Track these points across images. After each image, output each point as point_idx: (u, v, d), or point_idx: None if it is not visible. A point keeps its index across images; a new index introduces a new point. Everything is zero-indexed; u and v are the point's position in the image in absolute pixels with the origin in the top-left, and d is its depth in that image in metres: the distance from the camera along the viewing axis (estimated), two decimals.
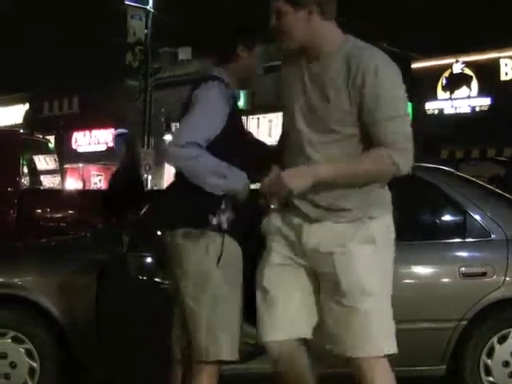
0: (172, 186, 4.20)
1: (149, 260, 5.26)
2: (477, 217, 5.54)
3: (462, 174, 6.35)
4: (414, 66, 27.00)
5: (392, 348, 3.58)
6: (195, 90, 4.10)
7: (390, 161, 3.40)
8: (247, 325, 4.32)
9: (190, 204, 3.94)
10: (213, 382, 3.96)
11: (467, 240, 5.56)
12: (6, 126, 36.36)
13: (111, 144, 33.62)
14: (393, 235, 3.64)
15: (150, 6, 26.98)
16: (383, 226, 3.58)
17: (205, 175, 3.86)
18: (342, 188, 3.48)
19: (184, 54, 34.18)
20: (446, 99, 26.82)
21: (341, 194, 3.49)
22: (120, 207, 7.57)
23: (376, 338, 3.53)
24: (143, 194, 8.32)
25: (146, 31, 27.12)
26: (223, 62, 4.26)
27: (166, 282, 4.80)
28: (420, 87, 25.59)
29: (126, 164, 8.24)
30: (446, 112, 26.78)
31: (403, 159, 3.41)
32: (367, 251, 3.49)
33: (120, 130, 9.35)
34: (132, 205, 7.33)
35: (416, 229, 5.89)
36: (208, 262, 3.89)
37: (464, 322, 5.31)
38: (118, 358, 5.22)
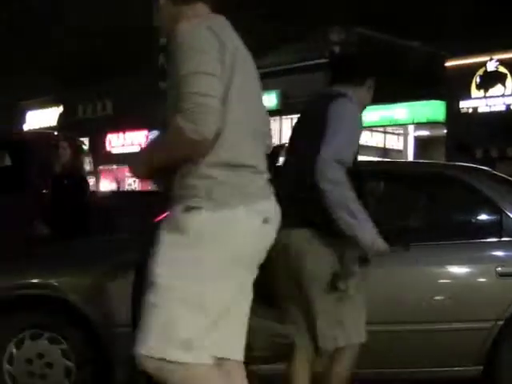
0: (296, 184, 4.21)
1: None
2: None
3: (497, 173, 6.29)
4: (448, 64, 26.82)
5: (160, 353, 3.13)
6: (328, 104, 4.20)
7: (175, 126, 3.04)
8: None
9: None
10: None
11: (503, 239, 5.52)
12: (40, 129, 36.68)
13: (145, 145, 33.83)
14: (233, 231, 3.09)
15: None
16: (207, 218, 3.06)
17: (341, 208, 3.95)
18: (170, 171, 3.17)
19: None
20: (481, 98, 26.59)
21: (173, 179, 3.19)
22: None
23: (147, 334, 3.21)
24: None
25: None
26: (356, 85, 4.42)
27: None
28: (454, 86, 25.45)
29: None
30: (481, 110, 26.55)
31: (190, 121, 2.96)
32: (169, 240, 3.14)
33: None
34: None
35: (452, 228, 5.86)
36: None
37: (500, 322, 5.27)
38: None
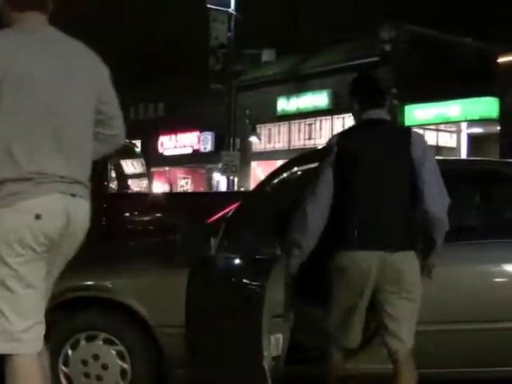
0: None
1: (237, 262, 5.27)
2: None
3: None
4: (501, 60, 26.44)
5: None
6: (413, 139, 4.66)
7: None
8: None
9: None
10: None
11: None
12: None
13: (197, 147, 33.94)
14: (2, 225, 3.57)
15: (232, 9, 27.07)
16: None
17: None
18: None
19: (267, 55, 34.22)
20: None
21: None
22: None
23: None
24: None
25: (228, 34, 27.23)
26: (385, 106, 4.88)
27: (256, 284, 4.83)
28: (507, 82, 25.07)
29: None
30: None
31: None
32: None
33: None
34: None
35: (509, 226, 5.79)
36: None
37: None
38: (207, 360, 5.24)
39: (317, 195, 4.66)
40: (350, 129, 5.07)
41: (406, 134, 4.76)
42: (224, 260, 5.22)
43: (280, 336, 5.19)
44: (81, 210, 3.93)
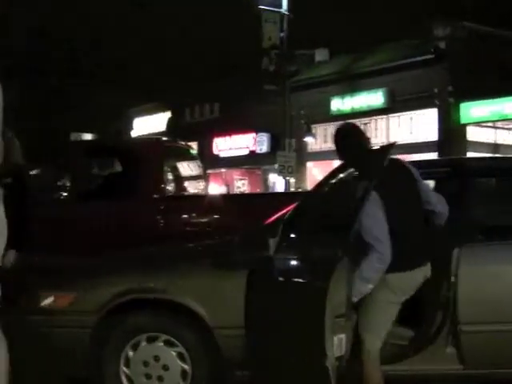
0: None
1: (296, 262, 5.27)
2: None
3: None
4: None
5: None
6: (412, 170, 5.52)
7: None
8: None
9: None
10: None
11: None
12: (149, 134, 37.27)
13: (252, 148, 33.99)
14: None
15: (284, 9, 27.05)
16: None
17: None
18: None
19: (321, 55, 34.12)
20: None
21: None
22: None
23: None
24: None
25: (281, 35, 27.21)
26: None
27: (317, 283, 4.85)
28: None
29: None
30: None
31: None
32: None
33: None
34: None
35: None
36: None
37: None
38: (267, 360, 5.25)
39: (380, 238, 5.10)
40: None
41: (404, 167, 5.49)
42: (283, 261, 5.23)
43: (343, 336, 5.18)
44: None
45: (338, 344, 5.12)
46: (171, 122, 39.43)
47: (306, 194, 6.22)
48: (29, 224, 6.93)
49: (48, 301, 5.71)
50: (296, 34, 27.45)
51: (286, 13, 27.00)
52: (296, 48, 28.79)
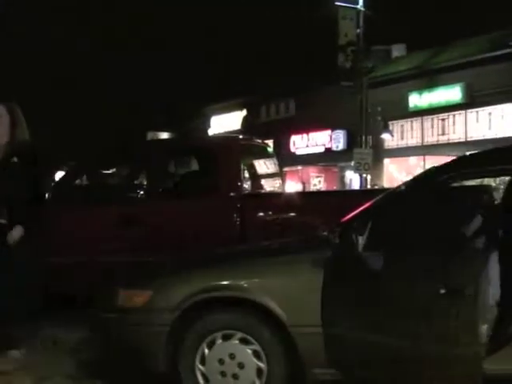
0: None
1: (377, 260, 5.22)
2: None
3: None
4: None
5: None
6: None
7: None
8: None
9: None
10: None
11: None
12: (226, 132, 37.49)
13: (328, 145, 33.88)
14: None
15: (360, 5, 26.89)
16: None
17: None
18: None
19: (398, 50, 33.85)
20: None
21: None
22: None
23: None
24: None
25: (357, 31, 27.06)
26: None
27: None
28: None
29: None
30: None
31: None
32: None
33: None
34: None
35: None
36: None
37: None
38: (353, 359, 5.23)
39: None
40: None
41: None
42: (365, 258, 5.19)
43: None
44: None
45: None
46: (247, 120, 39.57)
47: (387, 191, 6.10)
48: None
49: (124, 299, 5.77)
50: (372, 30, 27.26)
51: (363, 9, 26.83)
52: (372, 44, 28.60)
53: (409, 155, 30.57)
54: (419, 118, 30.21)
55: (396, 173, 30.97)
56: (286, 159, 31.12)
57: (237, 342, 5.45)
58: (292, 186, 31.85)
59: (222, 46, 42.77)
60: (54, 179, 18.66)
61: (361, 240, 5.19)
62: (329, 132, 34.13)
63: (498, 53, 26.35)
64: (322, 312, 5.22)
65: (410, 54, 32.81)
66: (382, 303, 5.09)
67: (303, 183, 35.04)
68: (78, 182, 10.93)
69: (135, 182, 10.95)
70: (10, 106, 7.08)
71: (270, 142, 24.18)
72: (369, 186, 25.95)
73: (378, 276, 5.14)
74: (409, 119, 30.57)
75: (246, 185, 9.86)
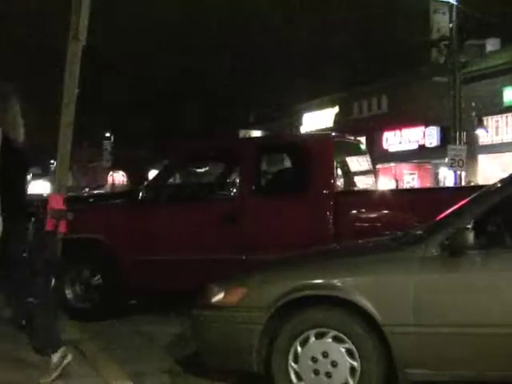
0: None
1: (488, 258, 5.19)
2: None
3: None
4: None
5: None
6: None
7: None
8: None
9: None
10: None
11: None
12: (318, 130, 37.42)
13: (422, 142, 33.48)
14: None
15: (453, 0, 26.46)
16: None
17: None
18: None
19: (492, 45, 33.20)
20: None
21: None
22: None
23: None
24: None
25: (450, 25, 26.64)
26: None
27: None
28: None
29: None
30: None
31: None
32: None
33: None
34: None
35: None
36: None
37: None
38: (441, 360, 5.19)
39: None
40: None
41: None
42: (474, 256, 5.17)
43: None
44: None
45: None
46: (339, 117, 39.43)
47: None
48: None
49: (219, 297, 5.82)
50: (465, 24, 26.77)
51: (455, 2, 26.39)
52: (466, 39, 28.10)
53: (504, 151, 29.94)
54: None
55: (491, 169, 30.40)
56: (379, 156, 30.91)
57: (330, 340, 5.46)
58: (385, 184, 31.59)
59: (313, 42, 42.60)
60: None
61: (473, 238, 5.17)
62: (422, 128, 33.69)
63: None
64: (416, 311, 5.18)
65: (505, 48, 32.14)
66: (489, 302, 5.11)
67: (396, 180, 34.69)
68: (171, 180, 11.09)
69: (228, 181, 11.06)
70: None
71: (363, 139, 24.04)
72: (463, 183, 25.54)
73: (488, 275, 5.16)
74: (504, 114, 29.93)
75: (339, 182, 9.83)
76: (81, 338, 7.54)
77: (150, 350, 7.76)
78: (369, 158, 10.92)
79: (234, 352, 5.76)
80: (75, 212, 8.30)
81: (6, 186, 5.89)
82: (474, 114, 29.07)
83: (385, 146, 36.09)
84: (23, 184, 6.32)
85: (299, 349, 5.50)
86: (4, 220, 5.80)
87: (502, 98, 29.46)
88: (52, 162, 68.61)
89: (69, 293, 9.62)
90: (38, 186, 65.12)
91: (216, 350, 5.94)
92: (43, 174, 75.42)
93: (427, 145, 33.33)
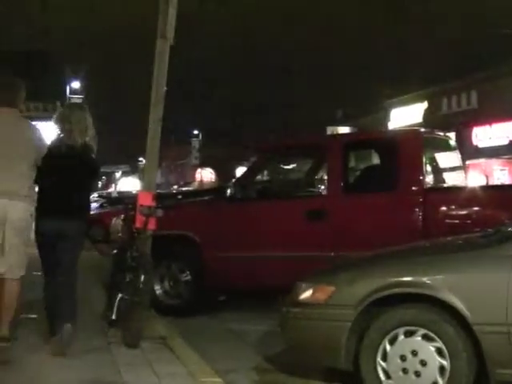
0: None
1: None
2: None
3: None
4: None
5: None
6: None
7: None
8: None
9: None
10: None
11: None
12: (406, 126, 37.06)
13: None
14: None
15: None
16: None
17: None
18: None
19: None
20: None
21: None
22: None
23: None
24: None
25: None
26: None
27: None
28: None
29: None
30: None
31: None
32: None
33: None
34: None
35: None
36: None
37: None
38: None
39: None
40: None
41: None
42: None
43: None
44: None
45: None
46: (428, 113, 38.97)
47: None
48: None
49: (307, 294, 5.82)
50: None
51: None
52: None
53: None
54: None
55: None
56: (468, 152, 30.41)
57: (419, 338, 5.40)
58: (474, 180, 31.10)
59: (402, 36, 42.27)
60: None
61: None
62: None
63: None
64: (510, 310, 5.09)
65: None
66: None
67: (486, 176, 34.09)
68: (258, 177, 11.13)
69: (315, 177, 11.04)
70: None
71: (452, 135, 23.69)
72: None
73: None
74: None
75: (428, 179, 9.71)
76: (170, 334, 7.62)
77: (239, 347, 7.80)
78: (458, 154, 10.76)
79: (322, 349, 5.76)
80: (164, 209, 8.41)
81: (78, 188, 6.80)
82: None
83: (474, 141, 35.52)
84: (91, 188, 7.33)
85: (388, 347, 5.46)
86: (63, 219, 6.62)
87: None
88: (141, 159, 69.78)
89: (158, 289, 9.75)
90: (127, 183, 66.30)
91: (304, 347, 5.95)
92: (132, 171, 76.79)
93: None
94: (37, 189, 6.64)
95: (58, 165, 6.62)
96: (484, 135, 35.19)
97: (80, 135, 6.74)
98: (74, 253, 6.84)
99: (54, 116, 7.05)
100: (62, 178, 6.68)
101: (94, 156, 6.94)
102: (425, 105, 40.01)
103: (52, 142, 6.80)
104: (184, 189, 41.17)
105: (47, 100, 18.39)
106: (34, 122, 7.43)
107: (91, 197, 9.37)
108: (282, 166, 14.70)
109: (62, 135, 6.79)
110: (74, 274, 6.77)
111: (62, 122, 6.80)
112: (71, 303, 6.62)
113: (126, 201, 10.40)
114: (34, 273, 7.14)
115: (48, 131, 7.06)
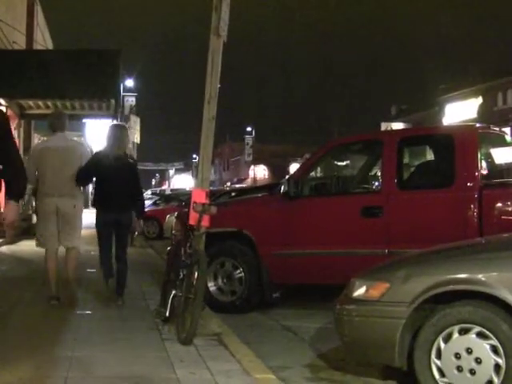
0: None
1: None
2: None
3: None
4: None
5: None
6: None
7: None
8: None
9: None
10: None
11: None
12: (461, 121, 36.73)
13: None
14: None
15: None
16: None
17: None
18: None
19: None
20: None
21: None
22: None
23: None
24: None
25: None
26: None
27: None
28: None
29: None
30: None
31: None
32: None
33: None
34: None
35: None
36: None
37: None
38: None
39: None
40: None
41: None
42: None
43: None
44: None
45: None
46: (483, 108, 38.55)
47: None
48: None
49: (361, 291, 5.81)
50: None
51: None
52: None
53: None
54: None
55: None
56: None
57: (474, 336, 5.34)
58: None
59: (457, 32, 41.86)
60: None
61: None
62: None
63: None
64: None
65: None
66: None
67: None
68: (312, 173, 11.11)
69: (370, 174, 10.99)
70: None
71: (508, 130, 23.41)
72: None
73: None
74: None
75: (484, 175, 9.60)
76: (224, 330, 7.66)
77: (293, 344, 7.80)
78: None
79: (376, 346, 5.73)
80: (219, 206, 8.45)
81: (125, 186, 9.22)
82: None
83: None
84: (137, 185, 9.55)
85: (442, 344, 5.42)
86: (118, 212, 9.11)
87: None
88: (194, 156, 70.10)
89: (211, 286, 9.81)
90: (181, 181, 66.69)
91: (358, 345, 5.93)
92: (186, 168, 77.29)
93: None
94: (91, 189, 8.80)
95: (109, 170, 9.11)
96: None
97: (122, 148, 9.36)
98: (127, 237, 9.63)
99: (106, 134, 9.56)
100: (113, 180, 9.15)
101: (132, 161, 9.60)
102: (479, 100, 39.58)
103: (102, 153, 9.45)
104: (238, 185, 41.30)
105: (103, 98, 18.76)
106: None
107: (144, 194, 11.83)
108: (336, 161, 14.63)
109: (108, 148, 9.27)
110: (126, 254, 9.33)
111: (109, 138, 9.34)
112: (125, 278, 9.16)
113: (180, 198, 10.62)
114: (89, 270, 7.33)
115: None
